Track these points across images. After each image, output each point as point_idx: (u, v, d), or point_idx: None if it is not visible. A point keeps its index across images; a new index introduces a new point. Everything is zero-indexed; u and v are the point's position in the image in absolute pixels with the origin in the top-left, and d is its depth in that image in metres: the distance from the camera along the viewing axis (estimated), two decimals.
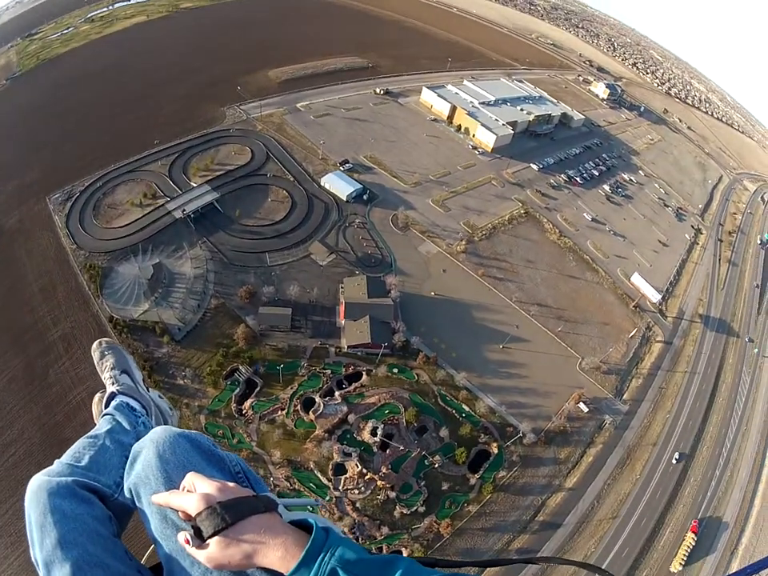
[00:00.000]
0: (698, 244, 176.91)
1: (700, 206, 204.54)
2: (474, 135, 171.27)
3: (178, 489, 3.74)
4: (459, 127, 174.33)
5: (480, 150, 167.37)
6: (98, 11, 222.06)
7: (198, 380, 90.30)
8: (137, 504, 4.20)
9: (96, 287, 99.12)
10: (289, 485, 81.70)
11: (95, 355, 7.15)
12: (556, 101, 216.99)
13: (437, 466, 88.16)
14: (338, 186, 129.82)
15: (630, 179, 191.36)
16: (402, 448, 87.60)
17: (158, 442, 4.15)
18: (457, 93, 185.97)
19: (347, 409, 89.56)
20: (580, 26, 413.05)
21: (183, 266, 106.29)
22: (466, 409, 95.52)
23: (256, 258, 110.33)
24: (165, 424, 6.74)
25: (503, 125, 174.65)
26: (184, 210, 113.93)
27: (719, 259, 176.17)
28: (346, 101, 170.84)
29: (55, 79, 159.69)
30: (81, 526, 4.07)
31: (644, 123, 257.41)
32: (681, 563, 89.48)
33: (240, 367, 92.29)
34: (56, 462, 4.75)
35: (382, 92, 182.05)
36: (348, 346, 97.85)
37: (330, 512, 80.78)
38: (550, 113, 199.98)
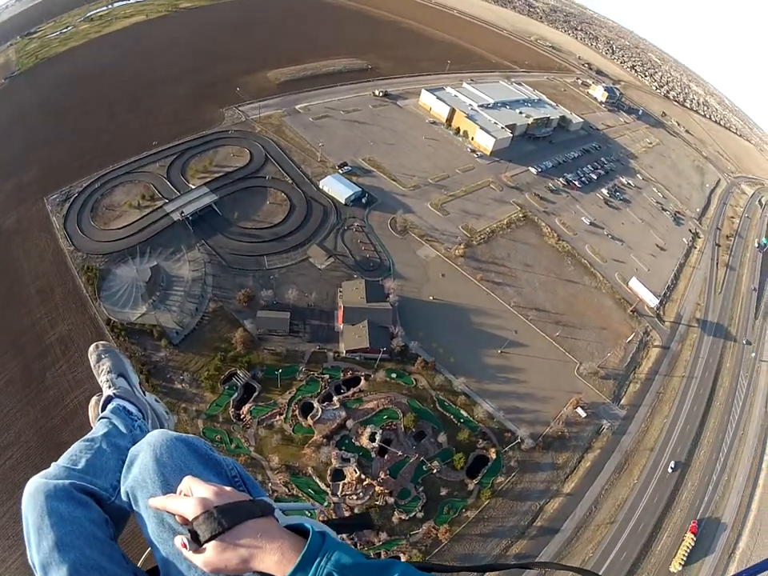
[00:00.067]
0: (695, 248, 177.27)
1: (698, 209, 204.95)
2: (472, 138, 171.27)
3: (175, 492, 3.73)
4: (458, 130, 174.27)
5: (479, 153, 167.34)
6: (97, 10, 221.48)
7: (195, 384, 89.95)
8: (134, 507, 4.20)
9: (93, 289, 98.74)
10: (287, 490, 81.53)
11: (92, 358, 7.19)
12: (555, 104, 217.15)
13: (435, 471, 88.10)
14: (337, 188, 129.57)
15: (628, 183, 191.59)
16: (400, 453, 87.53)
17: (155, 446, 4.16)
18: (456, 95, 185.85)
19: (346, 414, 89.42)
20: (579, 28, 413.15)
21: (181, 268, 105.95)
22: (465, 414, 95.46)
23: (254, 262, 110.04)
24: (161, 428, 6.69)
25: (502, 128, 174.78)
26: (182, 213, 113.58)
27: (717, 263, 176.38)
28: (345, 103, 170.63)
29: (54, 78, 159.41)
30: (78, 528, 4.12)
31: (642, 126, 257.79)
32: (680, 563, 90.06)
33: (238, 372, 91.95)
34: (53, 464, 4.79)
35: (381, 94, 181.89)
36: (346, 351, 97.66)
37: (328, 517, 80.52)
38: (548, 116, 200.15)
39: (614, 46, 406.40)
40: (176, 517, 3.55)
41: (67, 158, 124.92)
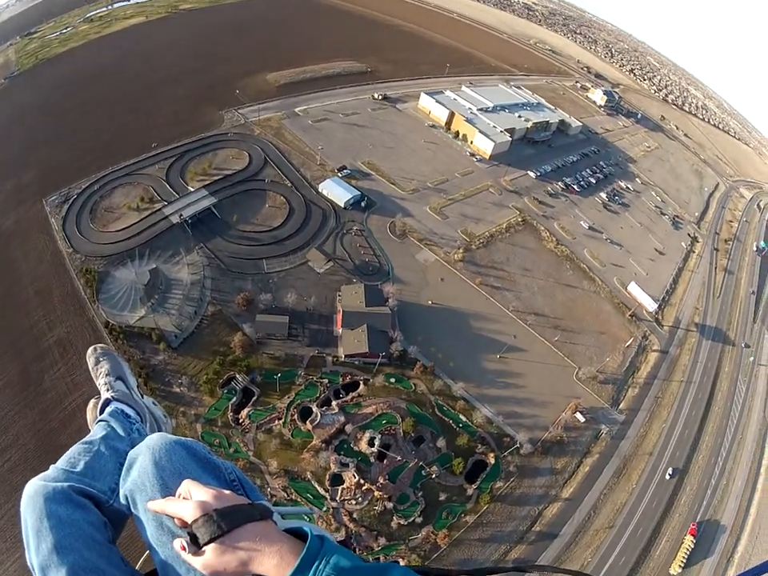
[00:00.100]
0: (694, 252, 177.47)
1: (696, 213, 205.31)
2: (471, 142, 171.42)
3: (174, 496, 3.76)
4: (457, 134, 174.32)
5: (478, 156, 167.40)
6: (97, 11, 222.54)
7: (194, 388, 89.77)
8: (132, 510, 4.23)
9: (92, 292, 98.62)
10: (286, 495, 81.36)
11: (90, 361, 7.23)
12: (554, 107, 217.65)
13: (434, 476, 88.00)
14: (336, 192, 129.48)
15: (627, 187, 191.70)
16: (399, 458, 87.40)
17: (154, 449, 4.20)
18: (455, 99, 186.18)
19: (344, 419, 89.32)
20: (578, 31, 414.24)
21: (180, 271, 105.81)
22: (463, 419, 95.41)
23: (253, 265, 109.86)
24: (159, 431, 6.70)
25: (501, 132, 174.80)
26: (181, 215, 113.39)
27: (715, 267, 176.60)
28: (344, 106, 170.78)
29: (53, 79, 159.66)
30: (77, 531, 4.16)
31: (641, 130, 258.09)
32: (680, 565, 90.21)
33: (237, 376, 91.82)
34: (51, 467, 4.84)
35: (380, 97, 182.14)
36: (345, 355, 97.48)
37: (327, 522, 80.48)
38: (547, 120, 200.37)
39: (613, 50, 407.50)
40: (175, 520, 3.62)
41: (66, 159, 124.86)
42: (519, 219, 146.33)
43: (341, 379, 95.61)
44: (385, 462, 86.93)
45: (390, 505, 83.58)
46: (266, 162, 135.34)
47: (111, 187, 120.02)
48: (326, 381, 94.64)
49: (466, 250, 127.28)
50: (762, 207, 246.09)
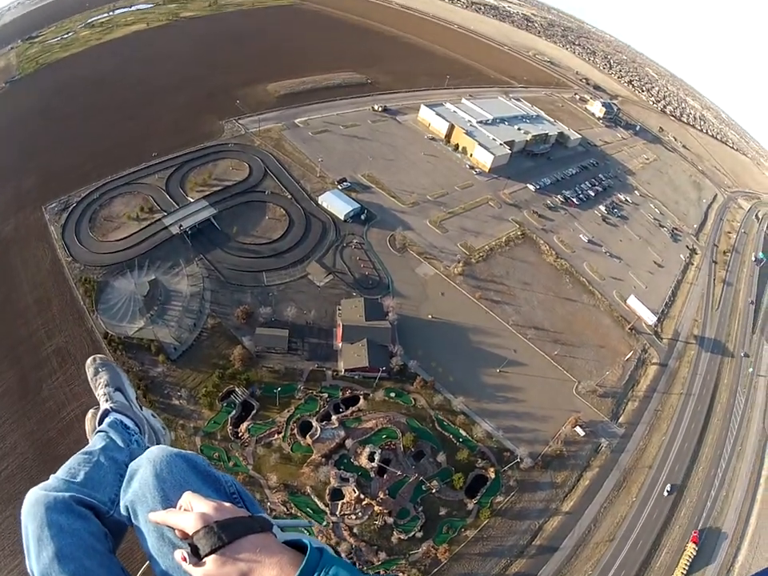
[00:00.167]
0: (692, 264, 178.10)
1: (695, 225, 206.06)
2: (471, 155, 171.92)
3: (175, 507, 3.84)
4: (457, 146, 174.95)
5: (477, 169, 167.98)
6: (99, 17, 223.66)
7: (193, 401, 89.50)
8: (133, 521, 4.32)
9: (91, 302, 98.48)
10: (285, 509, 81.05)
11: (89, 371, 7.31)
12: (553, 120, 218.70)
13: (434, 491, 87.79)
14: (336, 205, 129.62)
15: (626, 199, 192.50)
16: (399, 473, 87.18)
17: (155, 462, 4.31)
18: (455, 111, 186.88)
19: (344, 433, 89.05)
20: (576, 42, 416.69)
21: (179, 283, 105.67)
22: (463, 434, 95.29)
23: (253, 278, 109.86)
24: (158, 443, 6.93)
25: (500, 144, 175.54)
26: (181, 226, 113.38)
27: (714, 279, 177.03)
28: (344, 117, 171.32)
29: (54, 84, 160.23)
30: (77, 540, 4.25)
31: (640, 142, 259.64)
32: (682, 573, 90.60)
33: (236, 389, 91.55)
34: (52, 476, 4.94)
35: (380, 109, 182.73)
36: (345, 370, 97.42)
37: (327, 537, 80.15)
38: (547, 132, 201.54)
39: (612, 61, 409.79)
40: (176, 531, 3.71)
41: (66, 166, 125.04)
42: (519, 233, 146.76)
43: (341, 393, 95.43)
44: (385, 476, 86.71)
45: (390, 520, 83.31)
46: (266, 173, 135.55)
47: (111, 196, 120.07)
48: (325, 395, 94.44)
49: (465, 263, 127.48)
50: (761, 218, 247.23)
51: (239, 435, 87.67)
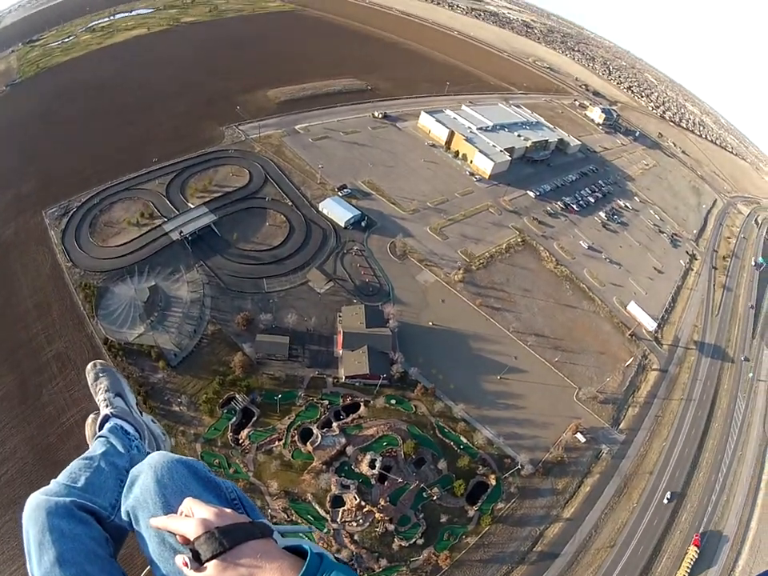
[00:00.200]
0: (692, 270, 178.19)
1: (695, 231, 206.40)
2: (471, 161, 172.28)
3: (176, 513, 3.88)
4: (457, 153, 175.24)
5: (477, 176, 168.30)
6: (100, 21, 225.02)
7: (193, 407, 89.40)
8: (134, 527, 4.34)
9: (91, 307, 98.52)
10: (286, 516, 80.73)
11: (89, 377, 7.32)
12: (553, 126, 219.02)
13: (435, 498, 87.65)
14: (336, 211, 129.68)
15: (626, 206, 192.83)
16: (400, 480, 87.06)
17: (156, 468, 4.35)
18: (455, 118, 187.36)
19: (345, 440, 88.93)
20: (576, 48, 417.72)
21: (180, 289, 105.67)
22: (464, 441, 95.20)
23: (253, 284, 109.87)
24: (158, 449, 6.93)
25: (500, 151, 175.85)
26: (181, 232, 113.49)
27: (714, 285, 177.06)
28: (344, 124, 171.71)
29: (54, 88, 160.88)
30: (79, 545, 4.27)
31: (639, 148, 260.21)
32: None
33: (236, 396, 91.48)
34: (53, 481, 4.96)
35: (380, 115, 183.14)
36: (346, 377, 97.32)
37: (327, 544, 79.96)
38: (546, 139, 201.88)
39: (611, 67, 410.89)
40: (177, 537, 3.71)
41: (67, 171, 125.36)
42: (519, 239, 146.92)
43: (341, 400, 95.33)
44: (386, 483, 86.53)
45: (391, 527, 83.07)
46: (266, 179, 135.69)
47: (111, 201, 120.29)
48: (326, 402, 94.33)
49: (466, 270, 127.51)
50: (760, 222, 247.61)
51: (240, 442, 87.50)
